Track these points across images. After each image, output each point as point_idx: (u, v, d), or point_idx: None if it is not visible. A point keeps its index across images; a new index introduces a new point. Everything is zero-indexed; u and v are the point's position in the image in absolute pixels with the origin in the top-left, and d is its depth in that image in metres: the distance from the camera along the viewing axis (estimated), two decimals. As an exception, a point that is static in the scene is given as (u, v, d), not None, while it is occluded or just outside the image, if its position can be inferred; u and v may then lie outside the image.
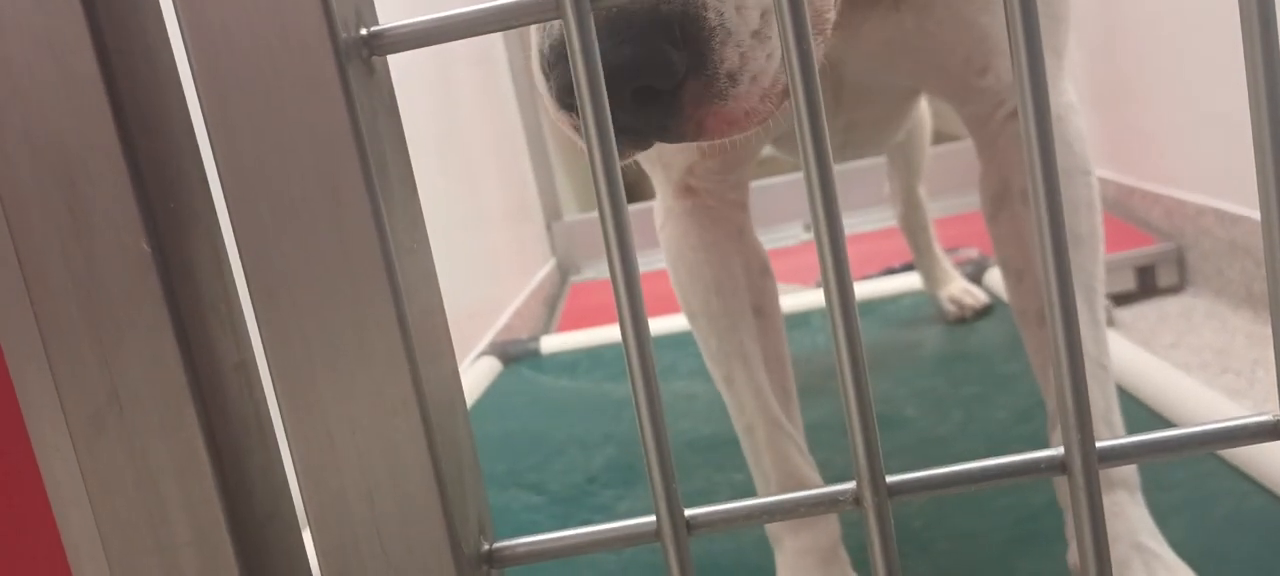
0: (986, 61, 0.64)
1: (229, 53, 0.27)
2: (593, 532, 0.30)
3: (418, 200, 0.32)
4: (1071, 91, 0.70)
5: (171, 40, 0.30)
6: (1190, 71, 1.86)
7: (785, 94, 0.43)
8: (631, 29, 0.39)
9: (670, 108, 0.40)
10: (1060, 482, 0.73)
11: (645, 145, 0.43)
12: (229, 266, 0.32)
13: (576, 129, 0.42)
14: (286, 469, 0.32)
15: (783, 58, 0.42)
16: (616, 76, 0.38)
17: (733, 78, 0.41)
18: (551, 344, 1.73)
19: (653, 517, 0.30)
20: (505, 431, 1.35)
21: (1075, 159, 0.68)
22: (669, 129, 0.42)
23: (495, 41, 2.71)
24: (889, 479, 0.29)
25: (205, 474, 0.30)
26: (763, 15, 0.42)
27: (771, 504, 0.31)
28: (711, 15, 0.40)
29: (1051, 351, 0.28)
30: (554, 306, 2.70)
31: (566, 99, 0.41)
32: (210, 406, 0.30)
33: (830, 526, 0.76)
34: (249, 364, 0.32)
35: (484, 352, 1.73)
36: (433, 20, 0.28)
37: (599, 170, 0.27)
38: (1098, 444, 0.28)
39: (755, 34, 0.42)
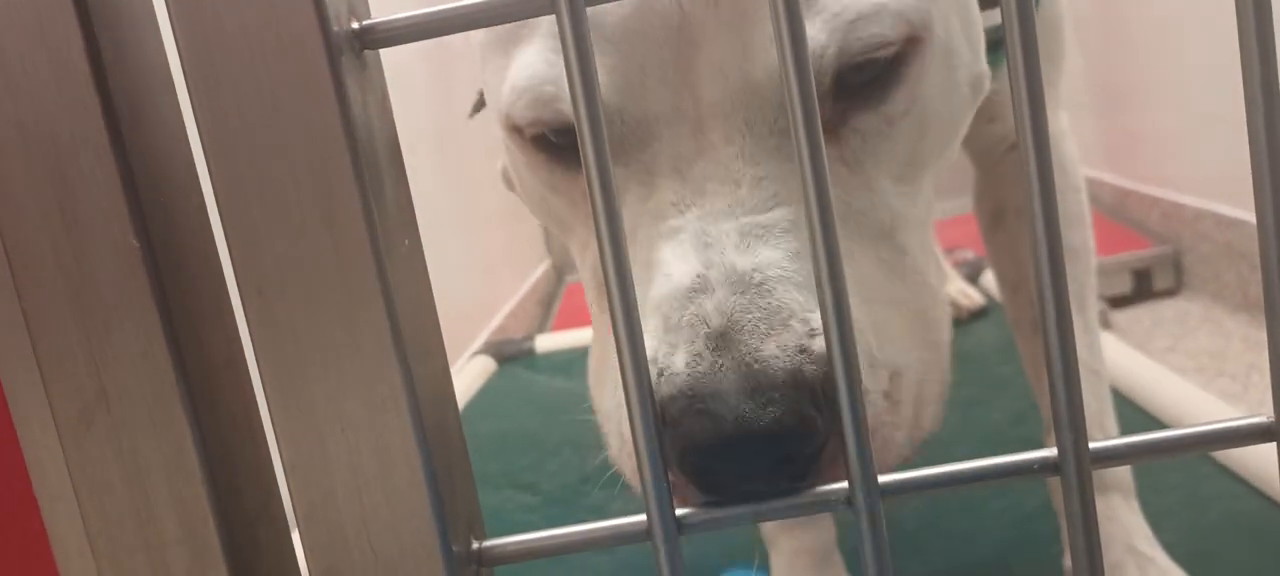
0: (996, 112, 0.67)
1: (219, 46, 0.27)
2: (582, 532, 0.30)
3: (410, 197, 0.31)
4: (1064, 119, 0.74)
5: (162, 33, 0.30)
6: (1188, 75, 1.86)
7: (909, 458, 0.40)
8: (775, 392, 0.35)
9: (806, 471, 0.36)
10: (1055, 485, 0.73)
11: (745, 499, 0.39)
12: (219, 262, 0.31)
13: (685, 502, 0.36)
14: (275, 466, 0.32)
15: (911, 418, 0.41)
16: (758, 442, 0.35)
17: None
18: (546, 343, 1.73)
19: (643, 517, 0.29)
20: (500, 431, 1.35)
21: (1068, 178, 0.72)
22: (792, 490, 0.36)
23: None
24: (881, 479, 0.29)
25: (194, 471, 0.29)
26: (892, 377, 0.40)
27: (764, 505, 0.31)
28: None
29: (1044, 349, 0.27)
30: (549, 306, 2.70)
31: (690, 460, 0.35)
32: (199, 403, 0.30)
33: (826, 527, 0.76)
34: (238, 361, 0.32)
35: (478, 352, 1.73)
36: (426, 14, 0.28)
37: (593, 170, 0.27)
38: (1091, 445, 0.28)
39: (886, 395, 0.40)
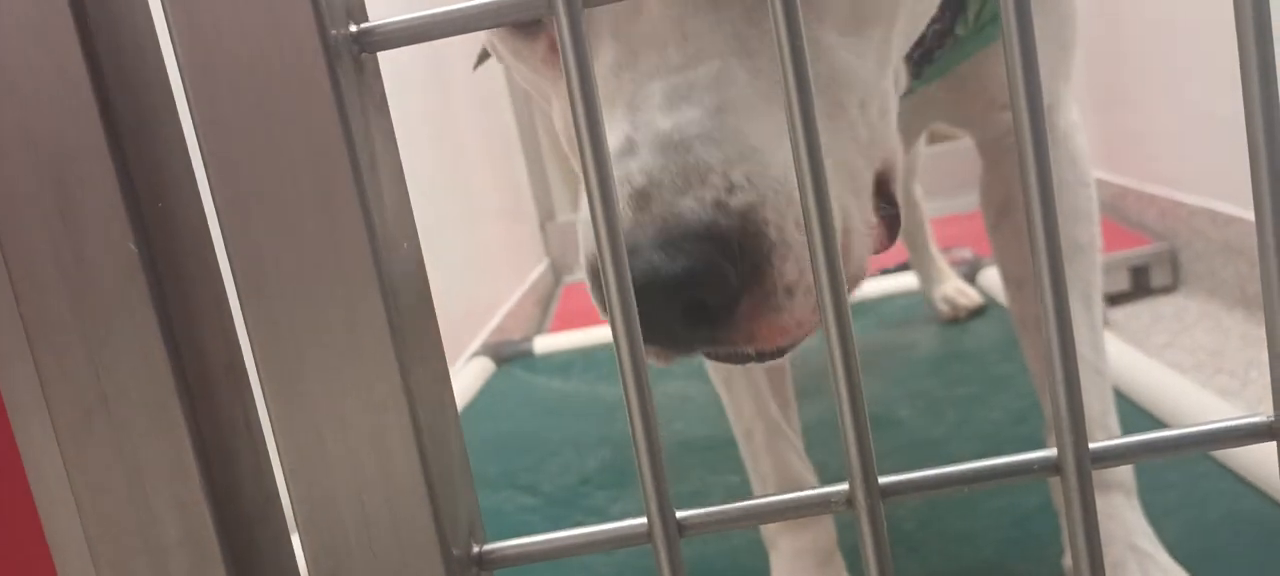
0: (1006, 98, 0.66)
1: (218, 50, 0.27)
2: (583, 534, 0.30)
3: (408, 199, 0.31)
4: (1076, 111, 0.73)
5: (160, 37, 0.30)
6: (1185, 73, 1.86)
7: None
8: (687, 242, 0.38)
9: (722, 320, 0.39)
10: (1055, 484, 0.73)
11: (690, 353, 0.42)
12: (217, 265, 0.31)
13: (657, 356, 0.41)
14: (275, 469, 0.32)
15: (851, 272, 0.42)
16: (668, 290, 0.37)
17: (789, 291, 0.39)
18: (544, 345, 1.73)
19: (644, 519, 0.29)
20: (498, 433, 1.35)
21: (1078, 172, 0.72)
22: (720, 341, 0.40)
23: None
24: (882, 480, 0.29)
25: (193, 474, 0.29)
26: None
27: (763, 505, 0.31)
28: (771, 231, 0.39)
29: (1044, 349, 0.27)
30: (547, 307, 2.70)
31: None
32: (198, 406, 0.30)
33: (827, 528, 0.76)
34: (237, 363, 0.32)
35: (477, 353, 1.73)
36: (423, 17, 0.28)
37: (592, 172, 0.27)
38: (1091, 444, 0.28)
39: None
